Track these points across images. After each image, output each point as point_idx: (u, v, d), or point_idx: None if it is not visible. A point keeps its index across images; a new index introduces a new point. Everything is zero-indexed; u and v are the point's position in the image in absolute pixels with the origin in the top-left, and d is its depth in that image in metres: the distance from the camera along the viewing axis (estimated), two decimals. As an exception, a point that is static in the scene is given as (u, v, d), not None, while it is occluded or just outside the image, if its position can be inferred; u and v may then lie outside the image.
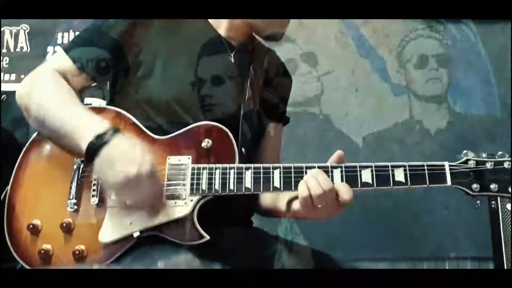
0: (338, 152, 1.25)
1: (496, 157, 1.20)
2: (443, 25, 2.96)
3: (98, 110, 1.31)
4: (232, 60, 1.44)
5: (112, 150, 1.16)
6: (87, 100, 1.50)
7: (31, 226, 1.22)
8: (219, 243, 1.23)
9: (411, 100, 2.91)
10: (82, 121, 1.22)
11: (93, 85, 1.41)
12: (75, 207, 1.23)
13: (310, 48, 2.93)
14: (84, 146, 1.17)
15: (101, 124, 1.20)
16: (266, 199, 1.46)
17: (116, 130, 1.19)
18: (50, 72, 1.33)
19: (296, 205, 1.27)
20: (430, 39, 2.97)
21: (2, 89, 2.56)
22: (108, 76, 1.39)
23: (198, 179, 1.23)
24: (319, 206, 1.19)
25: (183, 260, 1.17)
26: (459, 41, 2.95)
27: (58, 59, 1.38)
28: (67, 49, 1.37)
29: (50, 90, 1.29)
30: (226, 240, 1.29)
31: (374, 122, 2.86)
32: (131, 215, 1.20)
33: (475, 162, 1.20)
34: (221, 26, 1.46)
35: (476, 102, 2.89)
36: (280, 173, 1.22)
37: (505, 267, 1.93)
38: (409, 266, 2.63)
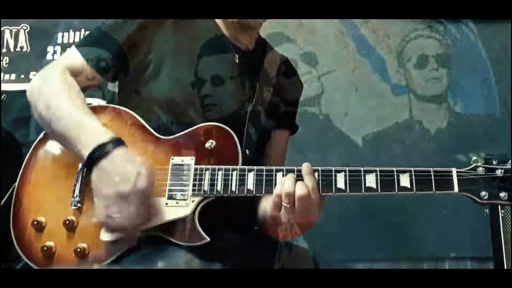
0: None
1: (507, 164, 1.15)
2: (443, 25, 2.96)
3: (100, 109, 1.32)
4: (237, 62, 1.45)
5: (110, 163, 1.16)
6: (87, 100, 1.51)
7: (35, 222, 1.23)
8: (219, 244, 1.23)
9: (411, 100, 2.91)
10: (85, 129, 1.22)
11: (99, 83, 1.42)
12: (79, 205, 1.24)
13: (310, 48, 2.93)
14: (85, 154, 1.18)
15: (104, 134, 1.20)
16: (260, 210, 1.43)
17: (119, 143, 1.19)
18: (61, 70, 1.33)
19: (269, 205, 1.25)
20: (430, 39, 2.96)
21: (2, 89, 2.56)
22: (111, 75, 1.40)
23: (201, 180, 1.23)
24: (287, 205, 1.17)
25: (183, 260, 1.17)
26: (459, 41, 2.95)
27: (68, 56, 1.39)
28: (78, 46, 1.39)
29: (58, 92, 1.29)
30: (226, 242, 1.28)
31: (374, 122, 2.86)
32: None
33: (484, 169, 1.16)
34: (227, 27, 1.47)
35: (476, 102, 2.89)
36: (282, 176, 1.21)
37: (505, 267, 1.93)
38: (409, 266, 2.63)
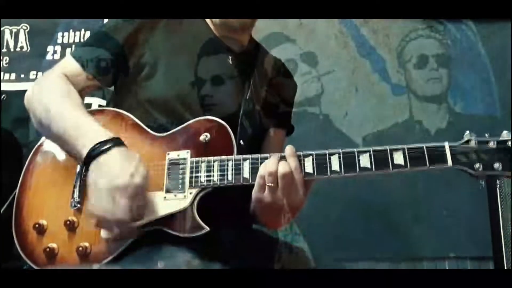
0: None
1: (499, 137, 1.15)
2: (443, 25, 2.96)
3: (98, 111, 1.34)
4: (230, 62, 1.46)
5: (109, 159, 1.17)
6: (87, 100, 1.52)
7: (36, 225, 1.25)
8: (219, 242, 1.24)
9: (411, 100, 2.90)
10: (84, 130, 1.23)
11: (97, 85, 1.42)
12: (78, 205, 1.26)
13: (310, 48, 2.93)
14: (84, 153, 1.19)
15: (103, 134, 1.21)
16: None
17: (118, 142, 1.21)
18: (57, 76, 1.35)
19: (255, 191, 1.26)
20: (430, 39, 2.96)
21: (2, 89, 2.56)
22: (110, 76, 1.40)
23: (197, 172, 1.24)
24: (271, 184, 1.18)
25: (183, 260, 1.17)
26: (459, 41, 2.95)
27: (65, 62, 1.41)
28: (74, 52, 1.42)
29: (55, 96, 1.31)
30: (226, 240, 1.29)
31: (374, 122, 2.86)
32: None
33: (476, 141, 1.16)
34: (219, 28, 1.47)
35: (476, 102, 2.88)
36: None
37: (505, 267, 1.93)
38: (409, 266, 2.63)
